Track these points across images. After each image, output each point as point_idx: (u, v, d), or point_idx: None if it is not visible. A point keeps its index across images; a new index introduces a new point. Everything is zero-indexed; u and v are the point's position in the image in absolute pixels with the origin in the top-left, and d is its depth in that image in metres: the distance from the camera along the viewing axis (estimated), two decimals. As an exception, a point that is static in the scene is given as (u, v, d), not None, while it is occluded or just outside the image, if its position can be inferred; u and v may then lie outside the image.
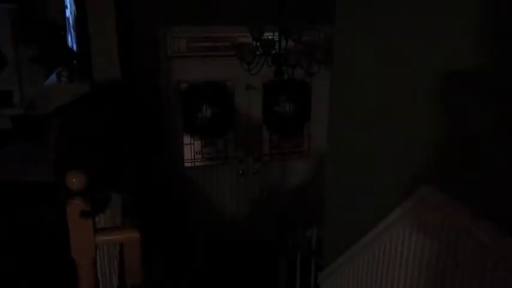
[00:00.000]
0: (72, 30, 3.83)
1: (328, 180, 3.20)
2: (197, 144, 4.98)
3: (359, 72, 2.68)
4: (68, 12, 3.84)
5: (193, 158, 5.01)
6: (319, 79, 4.58)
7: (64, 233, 1.40)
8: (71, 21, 3.84)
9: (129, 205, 2.75)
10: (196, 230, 4.89)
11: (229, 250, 4.89)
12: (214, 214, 5.08)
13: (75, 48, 3.84)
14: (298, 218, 4.63)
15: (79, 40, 3.78)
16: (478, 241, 1.73)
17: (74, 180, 1.34)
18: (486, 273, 1.70)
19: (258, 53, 3.55)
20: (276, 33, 3.63)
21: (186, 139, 4.96)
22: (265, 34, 3.57)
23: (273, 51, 3.60)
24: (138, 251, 1.50)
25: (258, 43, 3.52)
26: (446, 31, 1.90)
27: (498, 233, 1.64)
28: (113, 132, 3.13)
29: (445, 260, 1.93)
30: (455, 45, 1.85)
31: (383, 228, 2.40)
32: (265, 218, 5.09)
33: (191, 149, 4.99)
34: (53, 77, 3.69)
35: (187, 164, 4.98)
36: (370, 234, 2.54)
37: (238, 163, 4.99)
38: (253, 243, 4.87)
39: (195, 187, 5.02)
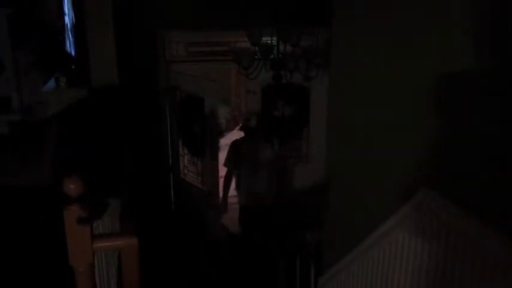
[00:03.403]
0: (70, 35, 3.84)
1: (328, 184, 3.20)
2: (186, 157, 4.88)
3: (357, 75, 2.68)
4: (66, 17, 3.85)
5: (183, 171, 4.94)
6: (317, 83, 4.58)
7: (61, 239, 1.39)
8: (69, 26, 3.84)
9: (128, 210, 2.74)
10: (199, 232, 4.87)
11: (229, 253, 4.88)
12: (213, 217, 5.06)
13: (73, 53, 3.84)
14: (297, 221, 4.62)
15: (77, 45, 3.78)
16: (478, 245, 1.72)
17: (71, 185, 1.33)
18: (486, 278, 1.69)
19: (256, 57, 3.56)
20: (274, 38, 3.64)
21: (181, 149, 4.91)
22: (264, 39, 3.58)
23: (271, 56, 3.61)
24: (136, 257, 1.49)
25: (256, 48, 3.53)
26: (445, 32, 1.90)
27: (498, 237, 1.63)
28: (111, 137, 3.13)
29: (445, 263, 1.92)
30: (455, 47, 1.84)
31: (383, 232, 2.39)
32: (264, 222, 5.07)
33: (182, 161, 4.91)
34: (51, 82, 3.68)
35: (182, 176, 4.96)
36: (370, 237, 2.53)
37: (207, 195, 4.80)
38: (252, 247, 4.85)
39: (193, 191, 5.01)
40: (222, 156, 4.64)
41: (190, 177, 4.84)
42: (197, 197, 4.83)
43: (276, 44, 3.62)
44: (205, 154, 4.62)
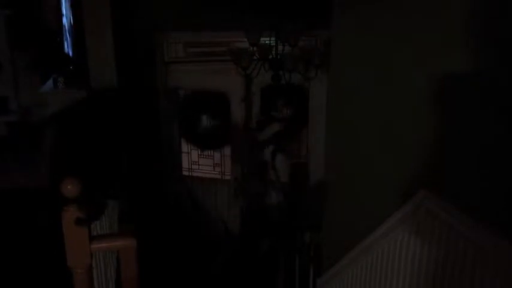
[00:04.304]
0: (68, 36, 3.83)
1: (328, 184, 3.20)
2: (194, 153, 4.92)
3: (356, 77, 2.68)
4: (64, 19, 3.84)
5: (190, 167, 4.96)
6: (316, 83, 4.57)
7: (60, 240, 1.39)
8: (67, 27, 3.84)
9: (127, 211, 2.73)
10: (199, 231, 4.88)
11: (229, 252, 4.88)
12: (212, 218, 5.05)
13: (71, 54, 3.83)
14: (297, 223, 4.61)
15: (75, 46, 3.78)
16: (477, 245, 1.72)
17: (69, 187, 1.32)
18: (485, 278, 1.68)
19: (255, 58, 3.55)
20: (273, 38, 3.64)
21: (185, 146, 4.92)
22: (262, 39, 3.57)
23: (270, 56, 3.60)
24: (134, 258, 1.49)
25: (255, 48, 3.52)
26: (445, 32, 1.90)
27: (497, 237, 1.63)
28: (109, 138, 3.12)
29: (444, 264, 1.91)
30: (455, 47, 1.84)
31: (382, 232, 2.39)
32: (263, 223, 5.06)
33: (188, 158, 4.94)
34: (50, 83, 3.68)
35: (185, 172, 4.96)
36: (370, 238, 2.53)
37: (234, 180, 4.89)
38: (252, 248, 4.85)
39: (193, 192, 5.00)
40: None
41: (202, 171, 4.92)
42: (211, 188, 4.90)
43: (274, 44, 3.62)
44: (223, 146, 4.73)
